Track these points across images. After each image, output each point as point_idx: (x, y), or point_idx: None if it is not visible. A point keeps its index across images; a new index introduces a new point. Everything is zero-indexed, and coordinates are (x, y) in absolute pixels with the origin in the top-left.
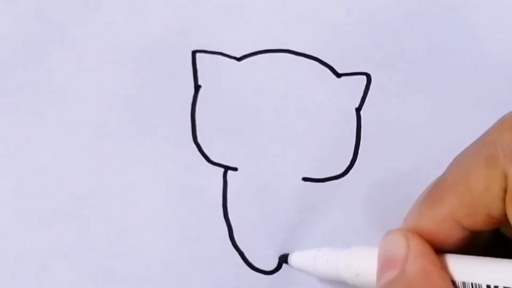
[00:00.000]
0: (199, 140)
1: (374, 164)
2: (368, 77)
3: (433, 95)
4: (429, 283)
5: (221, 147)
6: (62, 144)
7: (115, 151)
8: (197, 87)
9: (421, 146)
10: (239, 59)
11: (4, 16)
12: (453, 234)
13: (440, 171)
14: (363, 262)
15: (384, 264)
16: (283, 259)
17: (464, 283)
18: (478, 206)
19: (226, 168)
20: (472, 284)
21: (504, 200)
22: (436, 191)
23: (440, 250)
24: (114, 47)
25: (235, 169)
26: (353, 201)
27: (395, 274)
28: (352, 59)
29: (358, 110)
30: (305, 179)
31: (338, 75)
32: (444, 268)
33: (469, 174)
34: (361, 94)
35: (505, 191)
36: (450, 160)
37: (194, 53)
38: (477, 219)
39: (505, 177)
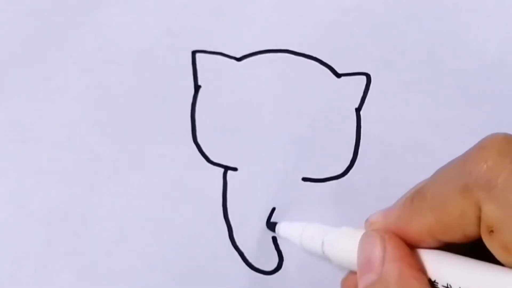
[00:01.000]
0: (199, 140)
1: (374, 164)
2: (368, 77)
3: (433, 95)
4: (406, 286)
5: (221, 147)
6: (62, 144)
7: (115, 151)
8: (197, 87)
9: (421, 146)
10: (239, 59)
11: (4, 16)
12: (429, 243)
13: None
14: (348, 245)
15: (363, 266)
16: (271, 226)
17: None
18: (454, 228)
19: (226, 168)
20: (448, 285)
21: (479, 226)
22: (417, 202)
23: (418, 247)
24: (114, 47)
25: (235, 169)
26: (353, 201)
27: (374, 278)
28: (352, 59)
29: (358, 110)
30: (305, 179)
31: (338, 75)
32: (421, 269)
33: (445, 199)
34: (361, 94)
35: (479, 219)
36: (450, 160)
37: (194, 53)
38: (453, 237)
39: (479, 208)
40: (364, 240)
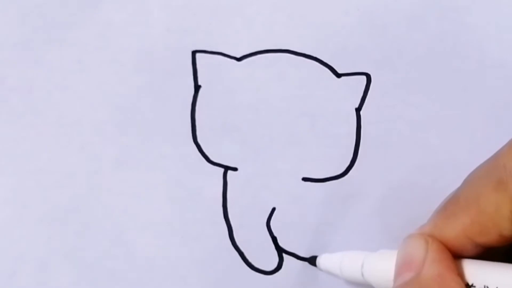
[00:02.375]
0: (199, 140)
1: (374, 164)
2: (368, 77)
3: (433, 95)
4: (444, 287)
5: (221, 147)
6: (62, 144)
7: (115, 151)
8: (197, 87)
9: (421, 146)
10: (239, 59)
11: (4, 16)
12: (468, 248)
13: (440, 171)
14: (388, 266)
15: (402, 266)
16: (312, 261)
17: None
18: (489, 227)
19: (226, 168)
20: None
21: None
22: (451, 207)
23: (459, 256)
24: (114, 47)
25: (235, 169)
26: (353, 201)
27: (411, 276)
28: (352, 59)
29: (358, 110)
30: (305, 179)
31: (338, 75)
32: (460, 274)
33: (479, 196)
34: (361, 94)
35: None
36: (450, 159)
37: (194, 53)
38: (489, 238)
39: None
40: (406, 241)
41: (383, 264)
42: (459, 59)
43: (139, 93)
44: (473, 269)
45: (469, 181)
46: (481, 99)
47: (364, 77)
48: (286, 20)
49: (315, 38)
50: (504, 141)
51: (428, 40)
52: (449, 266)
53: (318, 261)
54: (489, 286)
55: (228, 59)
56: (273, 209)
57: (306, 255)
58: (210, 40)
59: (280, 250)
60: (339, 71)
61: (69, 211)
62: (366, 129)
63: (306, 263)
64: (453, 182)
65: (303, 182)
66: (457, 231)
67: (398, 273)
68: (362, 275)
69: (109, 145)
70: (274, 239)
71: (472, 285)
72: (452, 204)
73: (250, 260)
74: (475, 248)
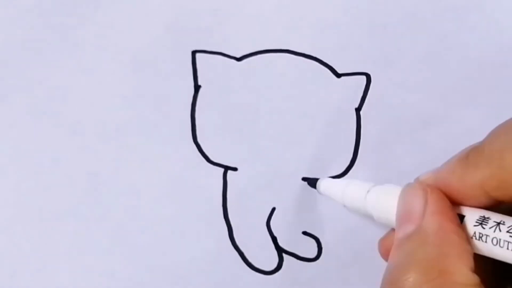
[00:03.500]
0: (199, 140)
1: (374, 164)
2: (368, 77)
3: (433, 95)
4: (445, 241)
5: (221, 147)
6: (62, 144)
7: (115, 151)
8: (197, 87)
9: (421, 146)
10: (239, 59)
11: (4, 16)
12: (479, 200)
13: None
14: (392, 202)
15: (402, 217)
16: (312, 183)
17: (480, 238)
18: (509, 182)
19: (226, 168)
20: (486, 239)
21: None
22: (474, 156)
23: (461, 204)
24: (114, 47)
25: (235, 169)
26: None
27: (412, 228)
28: (352, 59)
29: (358, 110)
30: (305, 179)
31: (338, 75)
32: (461, 225)
33: (504, 151)
34: (361, 94)
35: None
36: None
37: (194, 53)
38: (506, 193)
39: None
40: (405, 191)
41: (387, 198)
42: (459, 59)
43: (139, 93)
44: (474, 220)
45: (494, 134)
46: (481, 99)
47: (364, 77)
48: (286, 20)
49: (315, 38)
50: None
51: (428, 40)
52: (449, 217)
53: (319, 183)
54: (488, 236)
55: (228, 59)
56: (273, 209)
57: (306, 255)
58: (210, 40)
59: (280, 250)
60: (339, 71)
61: (69, 211)
62: (366, 129)
63: (306, 263)
64: None
65: (303, 182)
66: (474, 181)
67: (399, 224)
68: (365, 206)
69: (109, 145)
70: (274, 239)
71: (473, 236)
72: (475, 154)
73: (250, 260)
74: (487, 201)
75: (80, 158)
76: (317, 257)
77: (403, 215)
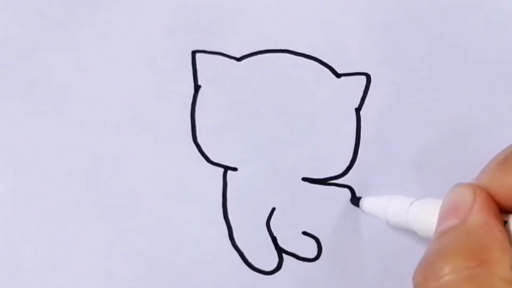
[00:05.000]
0: (199, 140)
1: (374, 164)
2: (368, 77)
3: (433, 95)
4: (489, 236)
5: (221, 147)
6: (62, 144)
7: (115, 151)
8: (197, 87)
9: (421, 146)
10: (239, 59)
11: (4, 16)
12: None
13: (440, 171)
14: (435, 214)
15: (447, 212)
16: (355, 202)
17: None
18: None
19: (226, 168)
20: None
21: None
22: (511, 160)
23: (505, 211)
24: (114, 47)
25: (235, 169)
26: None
27: (457, 222)
28: (352, 59)
29: (358, 110)
30: (305, 179)
31: (338, 75)
32: (503, 225)
33: None
34: (361, 94)
35: None
36: (450, 159)
37: (194, 53)
38: None
39: None
40: (454, 189)
41: (430, 211)
42: (459, 59)
43: (139, 93)
44: None
45: None
46: (481, 99)
47: (364, 77)
48: (286, 20)
49: (315, 38)
50: (505, 141)
51: (428, 40)
52: (496, 215)
53: (362, 202)
54: None
55: (228, 59)
56: (273, 209)
57: (306, 255)
58: (210, 40)
59: (280, 250)
60: (339, 71)
61: (69, 211)
62: (366, 129)
63: (306, 263)
64: (453, 182)
65: (303, 182)
66: None
67: (442, 218)
68: (407, 220)
69: (109, 145)
70: (274, 239)
71: None
72: None
73: (250, 260)
74: None
75: (80, 158)
76: (317, 257)
77: (448, 210)
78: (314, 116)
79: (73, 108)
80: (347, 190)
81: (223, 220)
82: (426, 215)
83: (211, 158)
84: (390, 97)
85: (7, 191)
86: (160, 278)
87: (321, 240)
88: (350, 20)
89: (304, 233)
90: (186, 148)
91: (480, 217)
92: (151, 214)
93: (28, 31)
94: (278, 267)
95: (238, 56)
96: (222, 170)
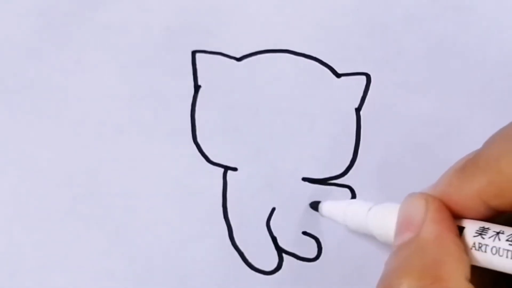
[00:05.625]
0: (199, 140)
1: (374, 164)
2: (368, 77)
3: (433, 95)
4: (442, 250)
5: (221, 147)
6: (62, 144)
7: (115, 151)
8: (197, 87)
9: (421, 146)
10: (239, 59)
11: (4, 16)
12: (479, 211)
13: (440, 171)
14: (390, 219)
15: (402, 226)
16: (314, 206)
17: (480, 248)
18: (507, 189)
19: (226, 168)
20: (486, 248)
21: None
22: (470, 166)
23: (461, 217)
24: (114, 47)
25: (235, 169)
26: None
27: (410, 236)
28: (352, 59)
29: (358, 110)
30: (305, 179)
31: (338, 75)
32: (460, 236)
33: (500, 158)
34: (361, 94)
35: None
36: (450, 160)
37: (194, 53)
38: (505, 201)
39: None
40: (406, 200)
41: (387, 216)
42: (459, 59)
43: (139, 93)
44: (474, 230)
45: (490, 143)
46: (481, 99)
47: (364, 77)
48: (286, 20)
49: (315, 38)
50: None
51: (428, 40)
52: (448, 227)
53: (321, 206)
54: (487, 246)
55: (228, 59)
56: (273, 209)
57: (306, 255)
58: (210, 40)
59: (280, 250)
60: (339, 71)
61: (69, 211)
62: (366, 129)
63: (306, 263)
64: None
65: (303, 182)
66: (472, 191)
67: (398, 232)
68: (366, 224)
69: (109, 145)
70: (274, 239)
71: (472, 247)
72: (471, 164)
73: (250, 260)
74: (487, 212)
75: (80, 158)
76: (317, 257)
77: (403, 223)
78: (314, 116)
79: (73, 108)
80: (347, 190)
81: (223, 220)
82: (384, 220)
83: (211, 158)
84: (390, 97)
85: (7, 191)
86: (160, 278)
87: (321, 240)
88: (350, 20)
89: (304, 233)
90: (186, 148)
91: (432, 229)
92: (151, 214)
93: (28, 31)
94: (278, 267)
95: (238, 56)
96: (222, 170)
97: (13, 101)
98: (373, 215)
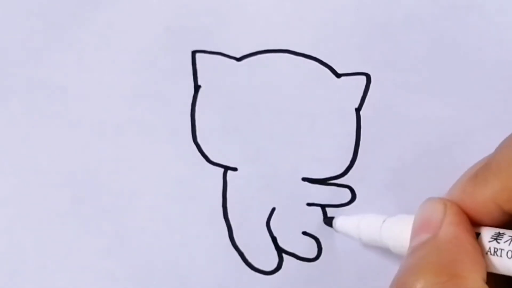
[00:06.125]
0: (199, 140)
1: (374, 164)
2: (368, 77)
3: (433, 95)
4: (460, 249)
5: (221, 147)
6: (62, 144)
7: (115, 151)
8: (197, 87)
9: (421, 146)
10: (239, 59)
11: (4, 16)
12: (493, 216)
13: (439, 171)
14: (407, 229)
15: (419, 227)
16: (328, 222)
17: (495, 252)
18: None
19: (226, 168)
20: (501, 252)
21: None
22: (482, 171)
23: (478, 225)
24: (114, 47)
25: (235, 169)
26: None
27: (428, 237)
28: (352, 59)
29: (358, 110)
30: (305, 179)
31: (338, 75)
32: (475, 237)
33: (511, 162)
34: (361, 94)
35: None
36: (450, 160)
37: (194, 53)
38: None
39: None
40: (425, 204)
41: (402, 227)
42: (459, 59)
43: (139, 93)
44: (490, 235)
45: (501, 148)
46: (481, 99)
47: (364, 77)
48: (286, 20)
49: (315, 38)
50: None
51: (428, 40)
52: (466, 229)
53: (335, 221)
54: (503, 250)
55: (228, 59)
56: (273, 209)
57: (306, 255)
58: (210, 40)
59: (280, 250)
60: (339, 71)
61: (69, 211)
62: (366, 129)
63: (306, 263)
64: (454, 181)
65: (303, 182)
66: (486, 196)
67: (415, 233)
68: (380, 236)
69: (109, 145)
70: (274, 239)
71: (488, 252)
72: (483, 170)
73: (250, 260)
74: (503, 216)
75: (80, 158)
76: (317, 257)
77: (420, 225)
78: (314, 116)
79: (73, 108)
80: (347, 190)
81: (223, 220)
82: (398, 231)
83: (211, 158)
84: (390, 97)
85: (7, 191)
86: (160, 278)
87: (321, 240)
88: (350, 20)
89: (304, 233)
90: (186, 148)
91: (450, 230)
92: (151, 214)
93: (28, 31)
94: (278, 267)
95: (238, 56)
96: (222, 170)
97: (13, 101)
98: (387, 227)
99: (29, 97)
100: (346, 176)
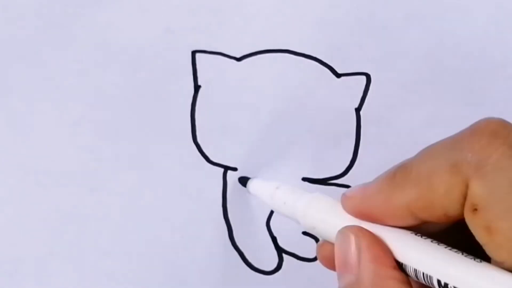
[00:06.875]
0: (199, 140)
1: (374, 164)
2: (368, 77)
3: (433, 95)
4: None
5: (221, 147)
6: (62, 144)
7: (115, 151)
8: (197, 87)
9: (421, 146)
10: (239, 59)
11: (4, 16)
12: (405, 220)
13: None
14: (321, 215)
15: (341, 266)
16: (242, 181)
17: (415, 273)
18: (436, 205)
19: (226, 168)
20: (423, 275)
21: (463, 205)
22: (401, 175)
23: (394, 225)
24: (114, 47)
25: (235, 169)
26: None
27: (351, 278)
28: (352, 59)
29: (358, 110)
30: (305, 179)
31: (338, 75)
32: (395, 267)
33: (432, 174)
34: (361, 94)
35: (465, 197)
36: None
37: (194, 53)
38: (433, 215)
39: (466, 186)
40: (339, 240)
41: (316, 211)
42: (459, 59)
43: (139, 93)
44: (400, 245)
45: (424, 156)
46: (481, 99)
47: (364, 77)
48: (286, 20)
49: (315, 38)
50: None
51: (428, 40)
52: (384, 262)
53: (249, 184)
54: (417, 269)
55: (228, 59)
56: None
57: (306, 255)
58: (210, 40)
59: (280, 250)
60: (339, 71)
61: (69, 211)
62: (366, 129)
63: (306, 263)
64: None
65: (303, 182)
66: (401, 202)
67: (339, 273)
68: (294, 218)
69: (109, 145)
70: (274, 239)
71: (402, 264)
72: (402, 174)
73: (250, 260)
74: (413, 221)
75: (80, 158)
76: (317, 257)
77: (341, 264)
78: (314, 116)
79: (73, 108)
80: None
81: (223, 220)
82: (312, 214)
83: (211, 158)
84: (390, 97)
85: (7, 191)
86: (160, 278)
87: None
88: (350, 20)
89: (304, 233)
90: (186, 148)
91: (370, 269)
92: (151, 214)
93: (28, 31)
94: (278, 267)
95: (238, 56)
96: (222, 170)
97: (12, 101)
98: (302, 207)
99: (29, 97)
100: (346, 176)
